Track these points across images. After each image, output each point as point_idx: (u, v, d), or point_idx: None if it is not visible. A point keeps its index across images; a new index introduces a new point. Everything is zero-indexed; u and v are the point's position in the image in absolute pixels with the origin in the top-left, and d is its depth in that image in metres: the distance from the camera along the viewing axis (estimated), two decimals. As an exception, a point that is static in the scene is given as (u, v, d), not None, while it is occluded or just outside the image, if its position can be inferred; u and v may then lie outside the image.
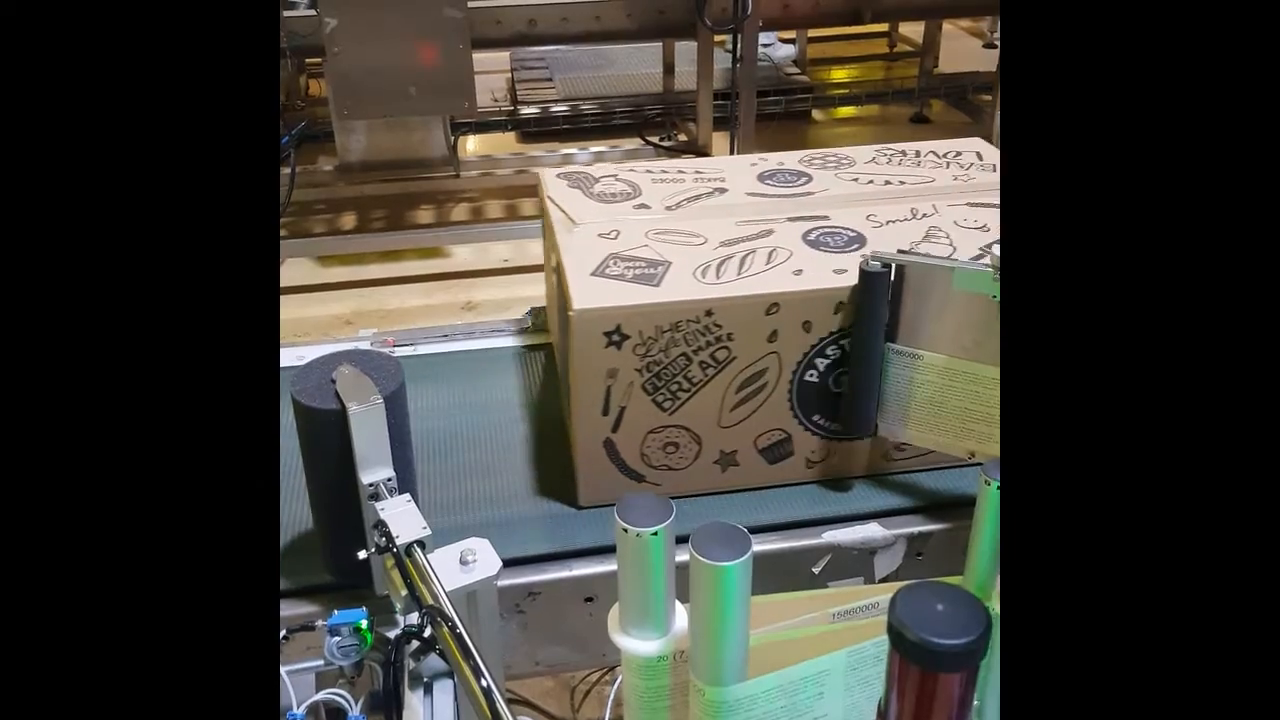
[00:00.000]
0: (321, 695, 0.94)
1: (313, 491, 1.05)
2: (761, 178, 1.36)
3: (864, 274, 1.06)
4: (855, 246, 1.16)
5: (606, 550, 1.11)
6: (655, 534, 0.72)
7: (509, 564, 1.00)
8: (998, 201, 1.24)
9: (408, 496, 0.94)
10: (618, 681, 1.47)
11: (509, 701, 0.76)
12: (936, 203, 1.27)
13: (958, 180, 1.34)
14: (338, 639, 0.92)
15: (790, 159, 1.43)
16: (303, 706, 0.92)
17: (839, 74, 4.60)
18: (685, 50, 3.68)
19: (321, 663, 0.93)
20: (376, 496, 0.96)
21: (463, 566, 0.93)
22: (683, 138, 3.75)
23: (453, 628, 0.79)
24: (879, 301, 1.07)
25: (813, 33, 4.43)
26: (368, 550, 0.95)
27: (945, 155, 1.42)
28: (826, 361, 1.11)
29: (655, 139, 3.66)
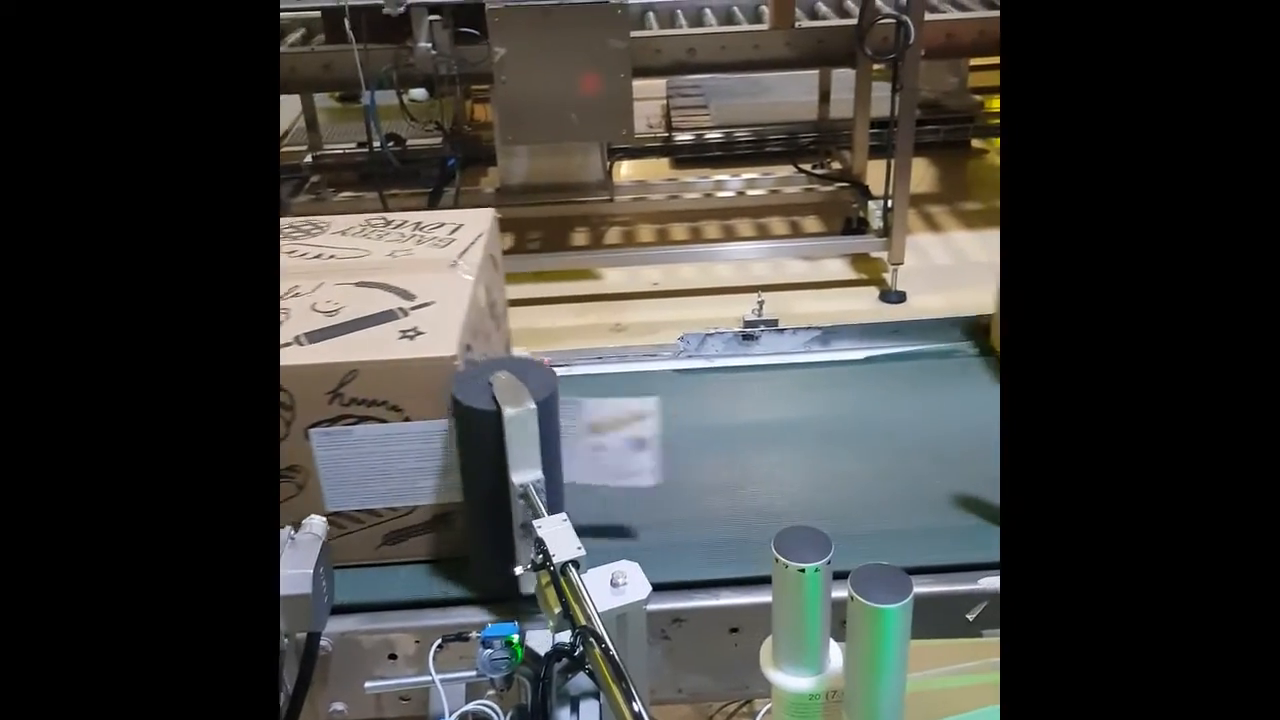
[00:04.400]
0: (471, 706, 0.97)
1: (467, 488, 1.11)
2: None
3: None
4: None
5: (753, 581, 1.10)
6: (816, 570, 0.71)
7: (656, 589, 1.01)
8: (392, 283, 1.20)
9: (564, 515, 0.96)
10: (758, 716, 1.45)
11: (653, 727, 0.76)
12: (327, 280, 1.21)
13: (393, 256, 1.28)
14: (490, 651, 0.94)
15: None
16: (454, 716, 0.95)
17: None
18: (842, 77, 3.64)
19: (474, 674, 0.95)
20: (526, 497, 1.01)
21: (614, 589, 0.94)
22: (836, 166, 3.71)
23: (605, 649, 0.80)
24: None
25: (975, 61, 4.31)
26: (522, 566, 0.97)
27: (425, 227, 1.35)
28: None
29: (808, 167, 3.62)
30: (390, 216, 1.43)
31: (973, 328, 1.59)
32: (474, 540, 1.12)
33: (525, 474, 1.02)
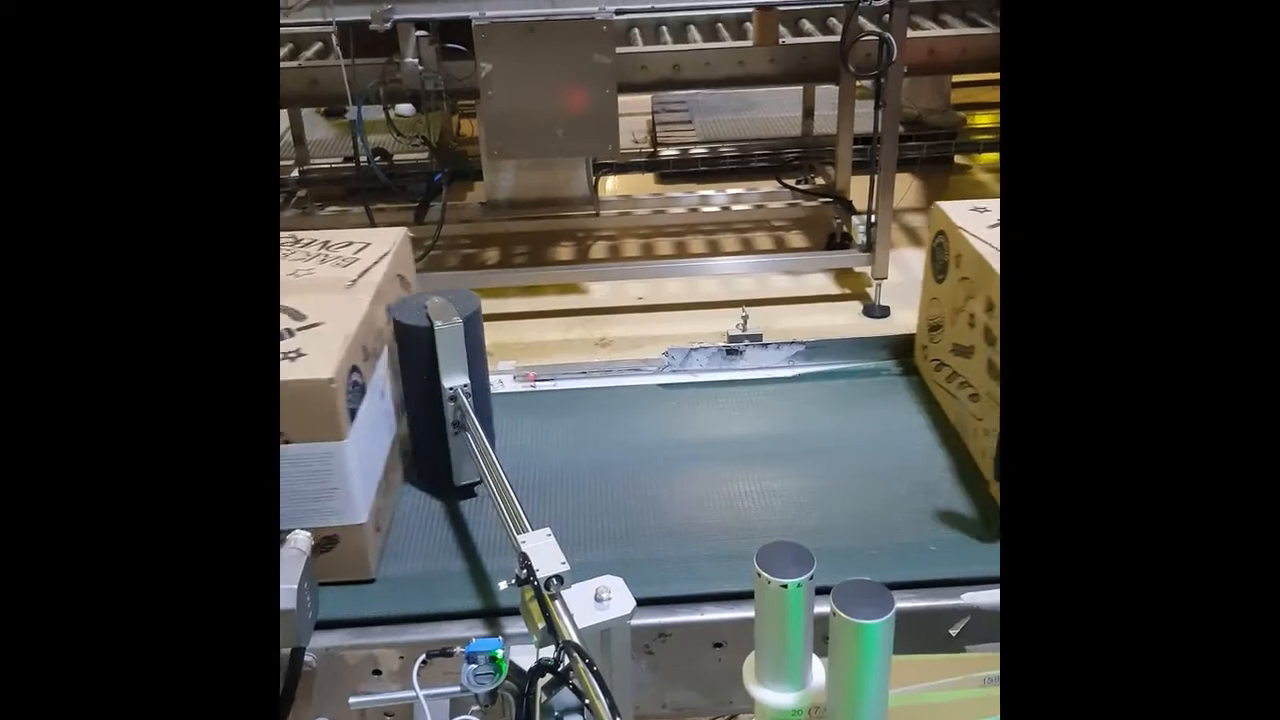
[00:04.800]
0: (455, 721, 0.96)
1: (407, 396, 1.28)
2: None
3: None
4: None
5: (738, 596, 1.10)
6: (798, 585, 0.71)
7: (640, 604, 1.01)
8: (285, 303, 1.19)
9: (548, 530, 0.97)
10: (743, 730, 1.45)
11: (638, 743, 0.76)
12: None
13: (294, 275, 1.29)
14: (474, 667, 0.94)
15: None
16: (438, 731, 0.95)
17: (984, 119, 4.50)
18: (826, 93, 3.67)
19: (458, 689, 0.95)
20: (455, 399, 1.23)
21: (598, 604, 0.94)
22: (820, 181, 3.74)
23: (590, 664, 0.80)
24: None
25: (958, 77, 4.35)
26: (507, 581, 0.97)
27: (332, 246, 1.37)
28: None
29: (792, 182, 3.65)
30: (300, 235, 1.43)
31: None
32: (415, 440, 1.30)
33: (454, 379, 1.23)
